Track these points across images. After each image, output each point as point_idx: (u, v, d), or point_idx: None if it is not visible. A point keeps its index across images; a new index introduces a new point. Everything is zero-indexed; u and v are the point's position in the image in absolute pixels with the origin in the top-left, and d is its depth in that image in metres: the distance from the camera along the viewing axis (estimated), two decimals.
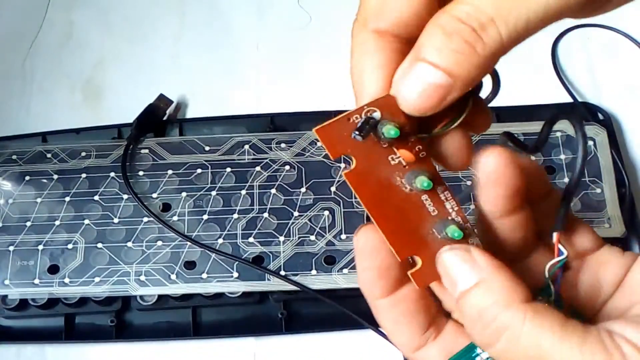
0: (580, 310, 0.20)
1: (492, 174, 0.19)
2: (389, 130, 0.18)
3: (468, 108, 0.19)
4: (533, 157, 0.22)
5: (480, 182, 0.19)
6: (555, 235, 0.19)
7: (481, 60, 0.17)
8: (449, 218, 0.19)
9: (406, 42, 0.18)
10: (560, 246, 0.19)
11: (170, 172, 0.42)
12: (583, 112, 0.44)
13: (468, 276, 0.18)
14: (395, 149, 0.19)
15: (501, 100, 0.48)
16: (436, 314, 0.21)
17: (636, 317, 0.19)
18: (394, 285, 0.20)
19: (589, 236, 0.21)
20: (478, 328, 0.18)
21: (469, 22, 0.16)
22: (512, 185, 0.19)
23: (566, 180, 0.41)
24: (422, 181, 0.19)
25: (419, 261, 0.19)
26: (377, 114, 0.18)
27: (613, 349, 0.17)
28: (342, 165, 0.41)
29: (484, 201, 0.20)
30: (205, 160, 0.42)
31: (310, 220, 0.40)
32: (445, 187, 0.19)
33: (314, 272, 0.39)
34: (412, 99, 0.18)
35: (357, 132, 0.18)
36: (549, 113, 0.43)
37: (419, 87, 0.17)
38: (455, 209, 0.19)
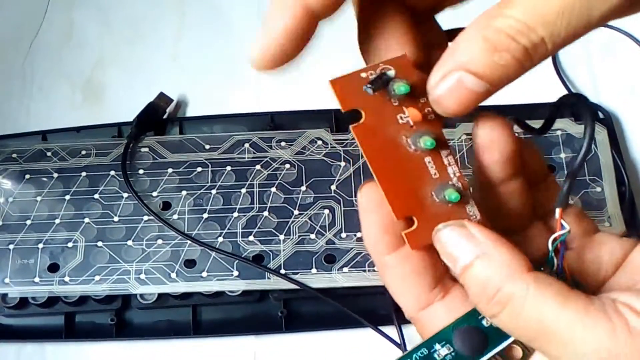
0: (583, 283, 0.20)
1: (488, 139, 0.19)
2: (400, 87, 0.18)
3: None
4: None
5: (477, 148, 0.20)
6: (558, 211, 0.20)
7: (525, 71, 0.17)
8: (450, 183, 0.19)
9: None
10: (563, 222, 0.20)
11: (170, 170, 0.42)
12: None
13: (468, 251, 0.18)
14: (404, 108, 0.19)
15: (501, 99, 0.48)
16: (443, 273, 0.21)
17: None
18: (400, 240, 0.20)
19: (585, 220, 0.22)
20: (483, 300, 0.18)
21: (520, 41, 0.17)
22: (507, 150, 0.20)
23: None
24: (425, 140, 0.19)
25: (415, 222, 0.19)
26: (391, 72, 0.19)
27: (616, 318, 0.17)
28: (342, 163, 0.41)
29: (480, 167, 0.20)
30: (206, 159, 0.42)
31: (310, 218, 0.40)
32: (449, 152, 0.20)
33: (314, 270, 0.39)
34: (449, 105, 0.18)
35: (369, 85, 0.19)
36: (548, 112, 0.44)
37: (457, 93, 0.17)
38: (457, 174, 0.20)
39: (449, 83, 0.17)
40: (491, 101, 0.44)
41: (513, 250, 0.18)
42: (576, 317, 0.17)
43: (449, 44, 0.18)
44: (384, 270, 0.21)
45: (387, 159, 0.19)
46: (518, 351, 0.20)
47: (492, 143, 0.19)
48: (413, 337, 0.39)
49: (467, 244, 0.18)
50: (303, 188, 0.41)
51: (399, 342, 0.38)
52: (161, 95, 0.45)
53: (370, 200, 0.20)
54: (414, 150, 0.19)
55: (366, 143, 0.19)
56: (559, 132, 0.42)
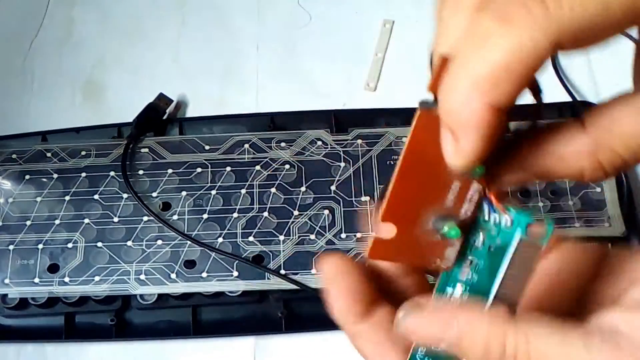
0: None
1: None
2: None
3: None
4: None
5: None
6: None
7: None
8: (455, 218, 0.18)
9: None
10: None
11: (170, 171, 0.42)
12: (581, 111, 0.44)
13: (446, 335, 0.18)
14: None
15: None
16: None
17: (634, 302, 0.19)
18: (371, 307, 0.20)
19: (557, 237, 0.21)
20: None
21: None
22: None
23: (566, 180, 0.41)
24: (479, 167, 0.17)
25: (392, 232, 0.18)
26: None
27: (622, 341, 0.17)
28: (342, 164, 0.41)
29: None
30: (205, 160, 0.42)
31: (310, 219, 0.40)
32: (480, 191, 0.18)
33: (314, 271, 0.39)
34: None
35: None
36: (549, 112, 0.44)
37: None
38: (469, 214, 0.18)
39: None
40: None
41: (478, 305, 0.18)
42: (580, 348, 0.17)
43: None
44: (355, 338, 0.20)
45: (421, 161, 0.17)
46: None
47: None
48: None
49: (439, 331, 0.18)
50: (303, 189, 0.41)
51: None
52: (161, 96, 0.45)
53: (336, 269, 0.20)
54: (449, 168, 0.18)
55: (418, 135, 0.17)
56: None
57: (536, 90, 0.19)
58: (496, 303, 0.18)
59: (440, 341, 0.18)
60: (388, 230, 0.18)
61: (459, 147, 0.16)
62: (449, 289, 0.19)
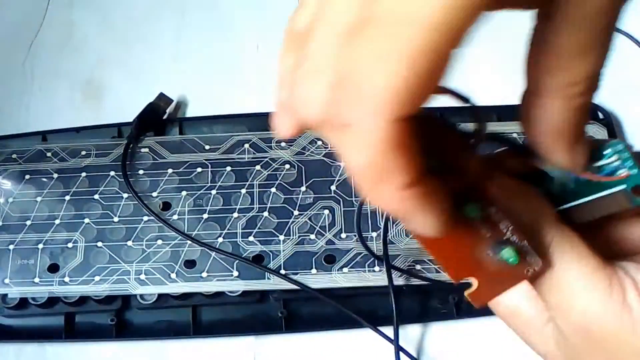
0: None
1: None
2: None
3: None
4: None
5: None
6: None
7: None
8: (504, 238, 0.19)
9: None
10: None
11: (170, 171, 0.42)
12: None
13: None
14: None
15: (500, 100, 0.48)
16: None
17: None
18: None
19: None
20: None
21: None
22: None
23: None
24: (471, 210, 0.18)
25: (474, 282, 0.19)
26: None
27: (616, 288, 0.18)
28: (342, 164, 0.41)
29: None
30: (205, 159, 0.42)
31: (310, 219, 0.40)
32: (496, 209, 0.19)
33: (314, 271, 0.39)
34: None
35: None
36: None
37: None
38: (510, 227, 0.19)
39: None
40: (490, 102, 0.44)
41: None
42: (581, 274, 0.18)
43: None
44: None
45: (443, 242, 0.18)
46: None
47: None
48: (412, 337, 0.39)
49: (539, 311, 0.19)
50: (303, 188, 0.41)
51: (400, 343, 0.38)
52: (161, 96, 0.45)
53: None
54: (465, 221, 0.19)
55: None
56: None
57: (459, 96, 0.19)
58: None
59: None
60: (470, 284, 0.19)
61: (425, 223, 0.16)
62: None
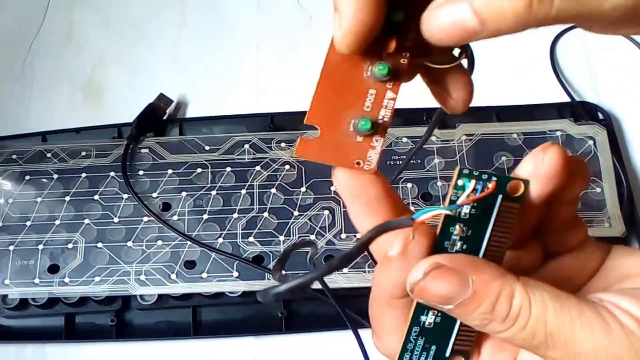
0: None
1: (554, 169, 0.19)
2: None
3: (468, 53, 0.20)
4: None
5: (539, 175, 0.19)
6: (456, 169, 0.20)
7: (519, 25, 0.16)
8: (377, 119, 0.20)
9: None
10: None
11: (170, 171, 0.42)
12: (580, 111, 0.44)
13: (460, 294, 0.18)
14: (388, 40, 0.19)
15: (500, 100, 0.48)
16: None
17: (625, 290, 0.19)
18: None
19: (582, 232, 0.22)
20: (497, 321, 0.18)
21: None
22: (562, 184, 0.20)
23: None
24: (380, 66, 0.19)
25: (317, 133, 0.20)
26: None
27: (608, 317, 0.17)
28: None
29: (535, 191, 0.20)
30: (205, 160, 0.42)
31: (310, 219, 0.40)
32: (394, 98, 0.20)
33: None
34: (436, 30, 0.17)
35: None
36: (548, 112, 0.44)
37: (449, 21, 0.17)
38: (386, 119, 0.20)
39: (445, 11, 0.17)
40: (490, 102, 0.45)
41: (489, 264, 0.19)
42: (573, 318, 0.17)
43: None
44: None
45: (340, 71, 0.19)
46: None
47: (557, 174, 0.19)
48: None
49: (454, 282, 0.18)
50: (303, 189, 0.41)
51: None
52: (161, 96, 0.45)
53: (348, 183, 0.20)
54: (367, 76, 0.19)
55: (334, 51, 0.19)
56: (558, 133, 0.42)
57: (466, 53, 0.20)
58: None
59: (450, 302, 0.18)
60: (313, 131, 0.20)
61: (341, 24, 0.18)
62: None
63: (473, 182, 0.19)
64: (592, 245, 0.22)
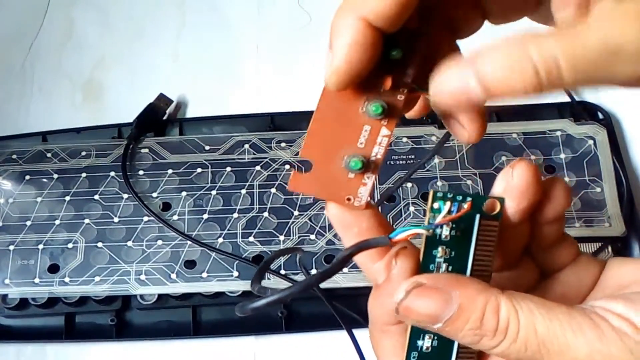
0: None
1: (524, 183, 0.20)
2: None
3: None
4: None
5: (512, 191, 0.20)
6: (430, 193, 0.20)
7: (526, 95, 0.17)
8: (369, 157, 0.20)
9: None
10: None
11: (170, 171, 0.42)
12: (580, 111, 0.44)
13: (446, 311, 0.18)
14: (385, 77, 0.19)
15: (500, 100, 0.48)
16: None
17: (616, 294, 0.20)
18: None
19: (573, 249, 0.22)
20: (487, 336, 0.18)
21: (541, 75, 0.16)
22: (536, 198, 0.20)
23: (566, 179, 0.41)
24: (375, 105, 0.19)
25: (311, 168, 0.20)
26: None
27: (599, 321, 0.17)
28: None
29: (510, 207, 0.20)
30: (205, 160, 0.42)
31: (310, 219, 0.40)
32: (389, 136, 0.20)
33: (314, 271, 0.39)
34: (441, 97, 0.18)
35: None
36: (548, 112, 0.44)
37: (454, 87, 0.17)
38: (379, 157, 0.20)
39: (457, 79, 0.17)
40: (490, 102, 0.44)
41: (472, 279, 0.19)
42: (564, 325, 0.17)
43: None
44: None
45: (336, 105, 0.19)
46: None
47: (528, 188, 0.20)
48: None
49: (438, 299, 0.18)
50: None
51: None
52: (161, 96, 0.45)
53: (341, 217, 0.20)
54: (362, 112, 0.20)
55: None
56: (558, 133, 0.42)
57: None
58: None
59: (438, 319, 0.18)
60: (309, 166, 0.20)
61: (333, 62, 0.18)
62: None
63: (448, 203, 0.19)
64: (586, 259, 0.22)
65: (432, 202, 0.19)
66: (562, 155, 0.41)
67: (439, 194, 0.19)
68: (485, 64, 0.16)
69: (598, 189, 0.40)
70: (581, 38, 0.16)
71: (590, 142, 0.41)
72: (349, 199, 0.20)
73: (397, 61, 0.19)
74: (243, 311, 0.18)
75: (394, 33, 0.18)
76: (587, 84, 0.16)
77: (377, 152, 0.20)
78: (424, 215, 0.20)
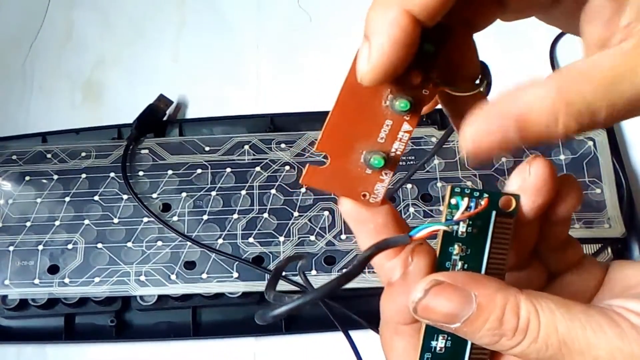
0: None
1: (541, 181, 0.19)
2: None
3: (489, 80, 0.20)
4: None
5: (527, 189, 0.20)
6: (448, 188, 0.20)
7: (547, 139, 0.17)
8: (384, 152, 0.19)
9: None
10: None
11: (170, 172, 0.42)
12: None
13: (464, 311, 0.18)
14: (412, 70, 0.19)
15: None
16: None
17: (631, 293, 0.20)
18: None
19: (578, 250, 0.22)
20: (507, 335, 0.18)
21: (582, 122, 0.16)
22: (551, 196, 0.20)
23: None
24: (400, 102, 0.19)
25: (327, 162, 0.19)
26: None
27: (618, 319, 0.17)
28: None
29: (525, 204, 0.20)
30: (205, 161, 0.42)
31: (310, 220, 0.40)
32: (410, 132, 0.19)
33: (313, 272, 0.39)
34: (470, 142, 0.17)
35: None
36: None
37: (493, 140, 0.17)
38: (399, 152, 0.19)
39: (495, 132, 0.17)
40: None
41: (490, 278, 0.19)
42: (584, 324, 0.17)
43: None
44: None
45: (357, 98, 0.19)
46: None
47: (544, 185, 0.19)
48: None
49: (457, 298, 0.18)
50: (303, 190, 0.41)
51: None
52: (161, 97, 0.45)
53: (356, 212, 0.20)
54: (385, 106, 0.19)
55: (353, 77, 0.18)
56: None
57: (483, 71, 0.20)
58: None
59: (456, 319, 0.18)
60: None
61: (370, 54, 0.17)
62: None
63: (466, 199, 0.19)
64: (589, 262, 0.22)
65: (450, 197, 0.19)
66: (562, 157, 0.41)
67: (457, 190, 0.19)
68: (527, 119, 0.16)
69: (598, 190, 0.40)
70: (618, 87, 0.16)
71: (590, 143, 0.41)
72: (364, 195, 0.20)
73: (427, 55, 0.18)
74: (264, 319, 0.18)
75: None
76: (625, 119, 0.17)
77: (397, 148, 0.19)
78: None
